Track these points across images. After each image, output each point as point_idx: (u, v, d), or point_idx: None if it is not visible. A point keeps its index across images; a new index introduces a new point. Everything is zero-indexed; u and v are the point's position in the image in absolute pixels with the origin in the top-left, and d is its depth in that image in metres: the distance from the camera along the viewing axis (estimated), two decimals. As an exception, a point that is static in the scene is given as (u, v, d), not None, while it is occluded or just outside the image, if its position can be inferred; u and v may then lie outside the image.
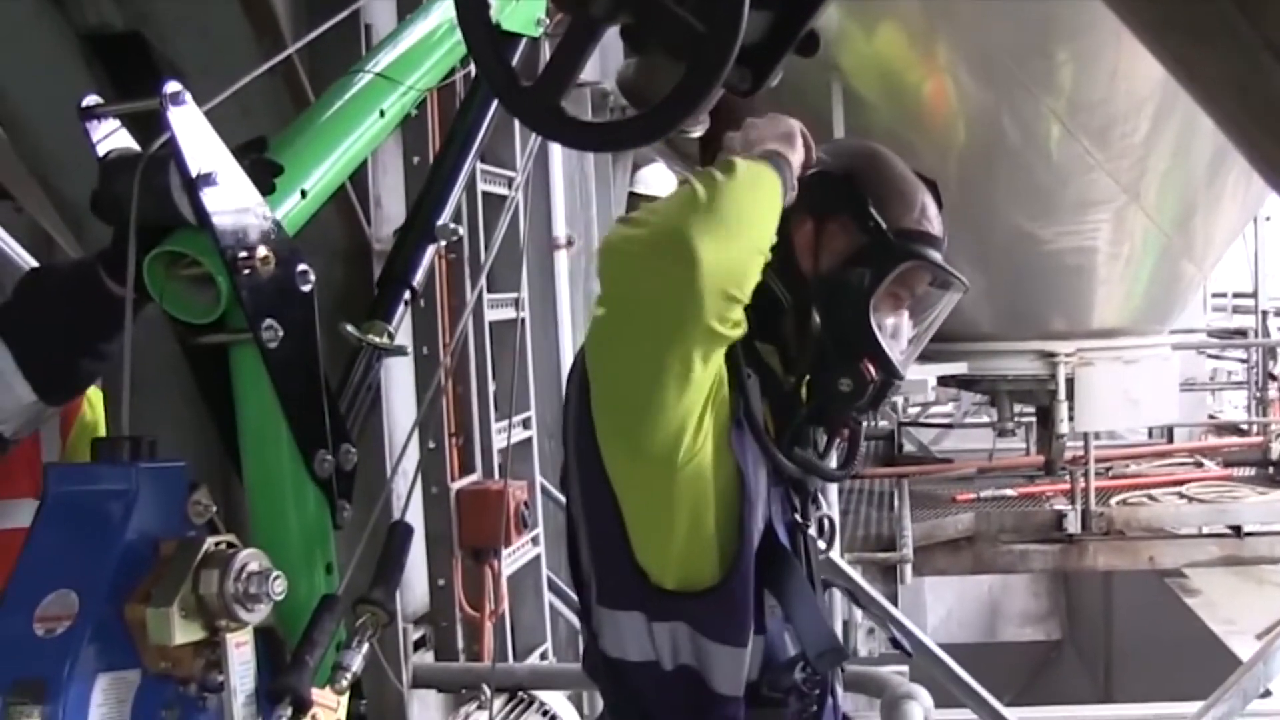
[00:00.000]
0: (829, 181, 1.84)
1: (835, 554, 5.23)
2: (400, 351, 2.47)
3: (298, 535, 2.00)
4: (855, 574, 5.35)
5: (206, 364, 2.00)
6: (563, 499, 1.95)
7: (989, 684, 4.60)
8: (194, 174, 1.82)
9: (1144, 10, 0.86)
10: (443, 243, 2.52)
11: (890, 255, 1.81)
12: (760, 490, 1.72)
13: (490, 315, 3.50)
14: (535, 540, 3.69)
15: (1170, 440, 9.73)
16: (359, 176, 2.66)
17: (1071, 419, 7.14)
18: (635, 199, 6.07)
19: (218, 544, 1.75)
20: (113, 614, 1.67)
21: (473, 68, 2.62)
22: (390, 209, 3.01)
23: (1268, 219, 10.45)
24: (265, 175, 1.96)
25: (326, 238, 2.67)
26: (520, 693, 3.28)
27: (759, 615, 1.73)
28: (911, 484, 8.25)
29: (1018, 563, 7.92)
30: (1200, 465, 8.92)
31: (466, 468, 3.38)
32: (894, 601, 6.10)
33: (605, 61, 4.50)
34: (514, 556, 3.50)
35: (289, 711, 1.78)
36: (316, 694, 1.85)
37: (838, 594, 2.22)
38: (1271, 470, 8.72)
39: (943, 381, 7.54)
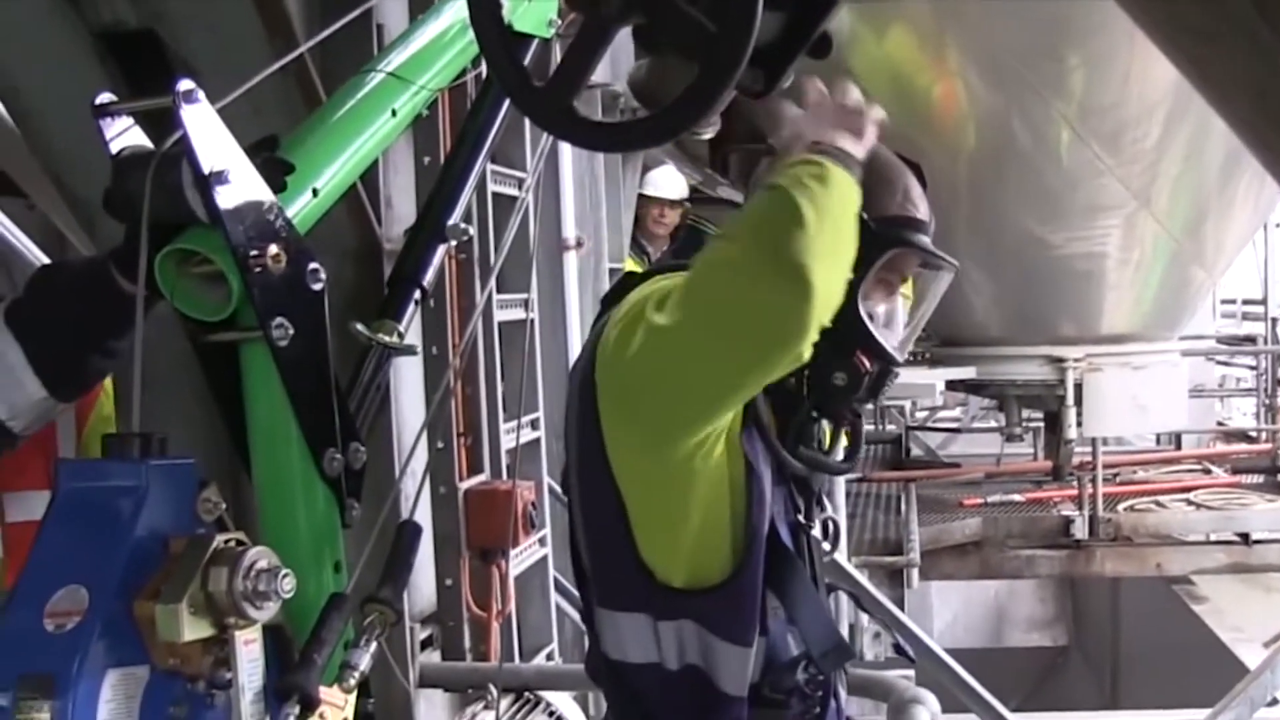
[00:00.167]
0: None
1: (841, 557, 5.25)
2: (410, 351, 2.47)
3: (307, 533, 2.00)
4: (862, 578, 5.34)
5: (217, 362, 2.00)
6: (569, 500, 1.95)
7: (995, 689, 4.60)
8: (206, 172, 1.83)
9: (1158, 11, 0.85)
10: (453, 243, 2.52)
11: (873, 243, 1.77)
12: (766, 489, 1.71)
13: (499, 316, 3.50)
14: (543, 541, 3.69)
15: (1178, 447, 9.68)
16: (370, 176, 2.66)
17: (1080, 424, 7.11)
18: (644, 201, 6.07)
19: (227, 541, 1.76)
20: (122, 610, 1.68)
21: (484, 68, 2.63)
22: (401, 209, 3.02)
23: (1278, 225, 10.44)
24: (277, 174, 1.96)
25: (337, 237, 2.67)
26: (526, 693, 3.29)
27: (761, 616, 1.72)
28: (919, 488, 8.24)
29: (1024, 568, 7.90)
30: (1208, 472, 8.88)
31: (475, 468, 3.38)
32: (900, 605, 6.09)
33: (616, 64, 4.53)
34: (521, 557, 3.50)
35: (297, 709, 1.79)
36: (324, 692, 1.85)
37: (844, 597, 2.21)
38: (1280, 478, 8.71)
39: (951, 386, 7.51)
